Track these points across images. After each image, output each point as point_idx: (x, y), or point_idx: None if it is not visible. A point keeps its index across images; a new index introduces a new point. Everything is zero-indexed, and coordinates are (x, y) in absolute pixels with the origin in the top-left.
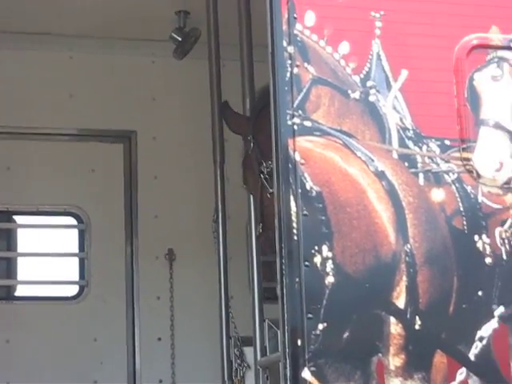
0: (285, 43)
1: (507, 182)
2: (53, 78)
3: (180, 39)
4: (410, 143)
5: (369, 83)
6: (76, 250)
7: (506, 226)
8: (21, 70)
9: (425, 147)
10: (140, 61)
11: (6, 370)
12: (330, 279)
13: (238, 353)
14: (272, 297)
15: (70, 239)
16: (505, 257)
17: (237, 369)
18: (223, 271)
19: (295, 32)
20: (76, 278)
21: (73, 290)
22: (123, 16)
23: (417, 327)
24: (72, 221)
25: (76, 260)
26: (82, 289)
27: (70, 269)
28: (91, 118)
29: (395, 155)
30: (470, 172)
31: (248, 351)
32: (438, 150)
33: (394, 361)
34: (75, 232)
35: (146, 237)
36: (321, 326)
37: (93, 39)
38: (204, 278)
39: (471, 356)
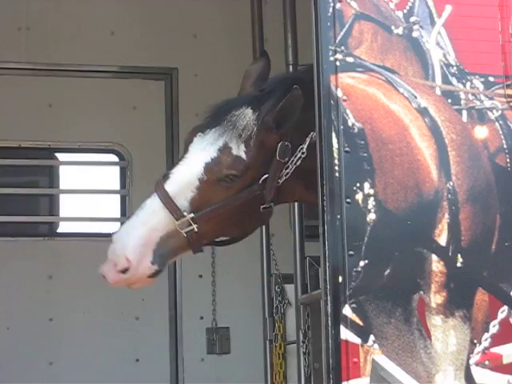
0: None
1: None
2: (94, 15)
3: None
4: (453, 79)
5: (412, 18)
6: (117, 187)
7: None
8: (62, 7)
9: (468, 84)
10: None
11: (47, 305)
12: (371, 216)
13: (279, 290)
14: (313, 234)
15: (111, 176)
16: None
17: (278, 306)
18: None
19: None
20: (117, 214)
21: (114, 227)
22: None
23: (458, 265)
24: (113, 158)
25: (117, 197)
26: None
27: (112, 206)
28: (132, 55)
29: (438, 91)
30: None
31: (289, 288)
32: (481, 87)
33: (436, 298)
34: (117, 169)
35: None
36: (362, 263)
37: None
38: None
39: None
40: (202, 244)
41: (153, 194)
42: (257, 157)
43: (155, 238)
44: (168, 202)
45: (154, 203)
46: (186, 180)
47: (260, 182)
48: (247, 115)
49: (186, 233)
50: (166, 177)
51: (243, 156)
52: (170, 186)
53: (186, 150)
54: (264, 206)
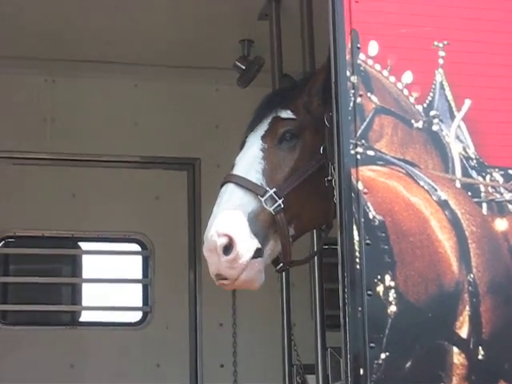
0: (348, 73)
1: None
2: (118, 106)
3: (244, 67)
4: (473, 173)
5: (432, 113)
6: (140, 276)
7: None
8: (87, 99)
9: (488, 177)
10: (204, 88)
11: None
12: (392, 308)
13: (301, 381)
14: (334, 324)
15: (134, 266)
16: None
17: None
18: (286, 298)
19: (358, 62)
20: (140, 304)
21: (136, 316)
22: (188, 44)
23: (480, 357)
24: (136, 247)
25: (140, 286)
26: (145, 315)
27: (134, 295)
28: (155, 145)
29: (458, 184)
30: None
31: (310, 379)
32: (501, 180)
33: None
34: (139, 258)
35: None
36: (383, 355)
37: (157, 67)
38: (267, 304)
39: None
40: (290, 231)
41: (224, 185)
42: (306, 118)
43: (244, 216)
44: (244, 181)
45: (229, 188)
46: (251, 156)
47: (321, 151)
48: (287, 93)
49: (273, 210)
50: (231, 168)
51: (293, 116)
52: (239, 169)
53: (241, 147)
54: (328, 178)
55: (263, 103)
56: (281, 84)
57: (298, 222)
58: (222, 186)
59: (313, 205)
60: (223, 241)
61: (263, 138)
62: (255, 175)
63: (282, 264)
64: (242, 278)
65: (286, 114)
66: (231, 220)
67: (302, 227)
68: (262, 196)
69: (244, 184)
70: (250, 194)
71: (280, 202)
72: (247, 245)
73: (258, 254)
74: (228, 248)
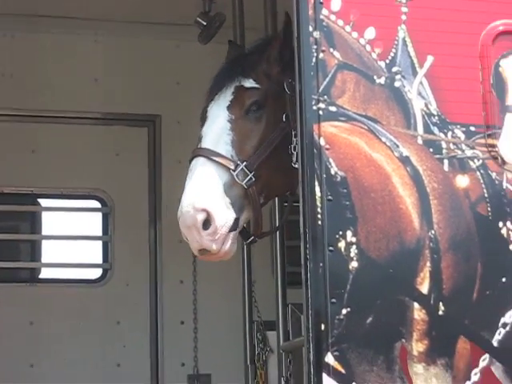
0: (311, 28)
1: None
2: (78, 62)
3: (205, 23)
4: (435, 129)
5: (394, 69)
6: (100, 233)
7: None
8: (46, 54)
9: (450, 133)
10: (165, 45)
11: (29, 351)
12: (353, 264)
13: (261, 337)
14: (295, 281)
15: (93, 222)
16: None
17: (259, 353)
18: (246, 255)
19: (321, 17)
20: (99, 260)
21: (96, 273)
22: (148, 0)
23: (440, 313)
24: (96, 204)
25: (100, 243)
26: (105, 272)
27: (94, 252)
28: (116, 101)
29: (420, 141)
30: (494, 158)
31: (271, 335)
32: (463, 136)
33: (417, 346)
34: (99, 215)
35: (170, 221)
36: (344, 311)
37: (117, 23)
38: (227, 262)
39: (494, 342)
40: (260, 201)
41: (194, 159)
42: (269, 86)
43: (218, 188)
44: (214, 154)
45: (200, 162)
46: (219, 128)
47: (284, 119)
48: (246, 60)
49: (245, 184)
50: (198, 140)
51: (256, 85)
52: (208, 142)
53: (203, 118)
54: (292, 145)
55: (222, 72)
56: (229, 52)
57: (267, 191)
58: (191, 159)
59: (280, 173)
60: (202, 216)
61: (229, 108)
62: (225, 147)
63: (252, 237)
64: (223, 249)
65: (249, 83)
66: (206, 193)
67: (271, 196)
68: (234, 170)
69: (215, 157)
70: (221, 168)
71: (251, 175)
72: (225, 216)
73: (235, 224)
74: (207, 222)
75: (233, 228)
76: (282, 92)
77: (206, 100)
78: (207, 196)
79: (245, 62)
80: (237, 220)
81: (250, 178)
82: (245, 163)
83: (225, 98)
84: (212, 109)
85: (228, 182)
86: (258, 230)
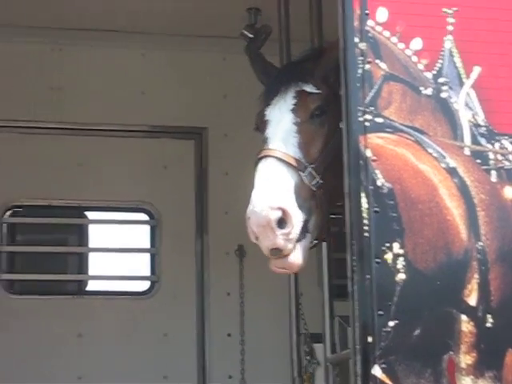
0: (357, 39)
1: None
2: (125, 75)
3: (251, 36)
4: (482, 140)
5: (441, 80)
6: (147, 245)
7: None
8: (94, 67)
9: (497, 144)
10: (211, 58)
11: (77, 364)
12: (401, 276)
13: (308, 349)
14: (342, 293)
15: (141, 235)
16: None
17: (306, 365)
18: None
19: (367, 28)
20: (147, 273)
21: (144, 286)
22: (195, 13)
23: (488, 325)
24: (143, 216)
25: (147, 256)
26: (152, 284)
27: (142, 264)
28: (163, 114)
29: (467, 152)
30: None
31: (318, 348)
32: (510, 147)
33: (466, 359)
34: (147, 228)
35: (217, 233)
36: (391, 323)
37: (164, 36)
38: (274, 274)
39: None
40: (326, 205)
41: (261, 160)
42: (328, 93)
43: (292, 188)
44: (284, 156)
45: (270, 163)
46: (285, 130)
47: None
48: (302, 67)
49: (314, 186)
50: (264, 142)
51: (317, 91)
52: (276, 144)
53: (262, 121)
54: None
55: (280, 77)
56: (252, 63)
57: (332, 196)
58: (259, 160)
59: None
60: (278, 214)
61: (293, 111)
62: (293, 149)
63: (317, 240)
64: (297, 249)
65: (310, 88)
66: (280, 192)
67: (335, 200)
68: (303, 172)
69: (285, 158)
70: (291, 169)
71: (318, 178)
72: (299, 216)
73: (305, 227)
74: (281, 221)
75: (303, 231)
76: (340, 99)
77: (263, 104)
78: (281, 195)
79: (301, 68)
80: (306, 222)
81: (318, 181)
82: (312, 165)
83: (286, 101)
84: (273, 112)
85: (298, 183)
86: (322, 233)
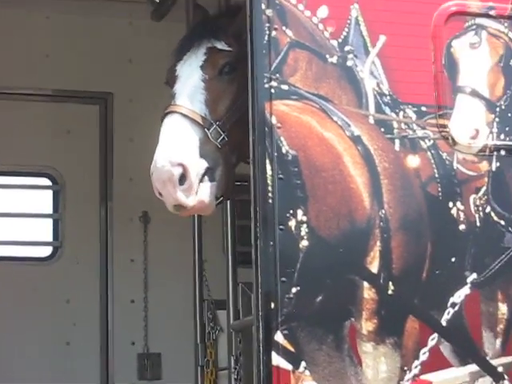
0: (263, 6)
1: (482, 150)
2: (29, 38)
3: (158, 1)
4: (386, 109)
5: (346, 48)
6: (50, 210)
7: (480, 193)
8: None
9: (401, 113)
10: (117, 22)
11: None
12: (304, 243)
13: (211, 316)
14: (246, 260)
15: (44, 200)
16: (478, 224)
17: (210, 332)
18: (197, 234)
19: None
20: (50, 238)
21: (46, 251)
22: None
23: (390, 292)
24: (46, 182)
25: (50, 221)
26: (55, 250)
27: (44, 229)
28: (67, 78)
29: (371, 120)
30: (445, 139)
31: (221, 314)
32: (414, 116)
33: (367, 325)
34: (49, 193)
35: (121, 199)
36: (294, 290)
37: (70, 0)
38: (178, 240)
39: (443, 322)
40: (232, 161)
41: (167, 116)
42: (240, 50)
43: (195, 144)
44: (189, 112)
45: (175, 118)
46: (193, 86)
47: None
48: (215, 23)
49: (219, 143)
50: (172, 97)
51: (228, 48)
52: (182, 100)
53: (173, 76)
54: None
55: (193, 32)
56: (194, 16)
57: (238, 152)
58: (164, 116)
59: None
60: (179, 170)
61: (202, 68)
62: (199, 106)
63: (222, 197)
64: (198, 199)
65: (221, 45)
66: (181, 148)
67: (242, 157)
68: (208, 129)
69: (190, 115)
70: (195, 125)
71: (224, 135)
72: (197, 167)
73: (210, 175)
74: (182, 177)
75: (208, 178)
76: None
77: (174, 59)
78: (183, 151)
79: (215, 25)
80: (211, 170)
81: (223, 138)
82: (218, 123)
83: (197, 57)
84: (183, 68)
85: (202, 139)
86: (228, 190)
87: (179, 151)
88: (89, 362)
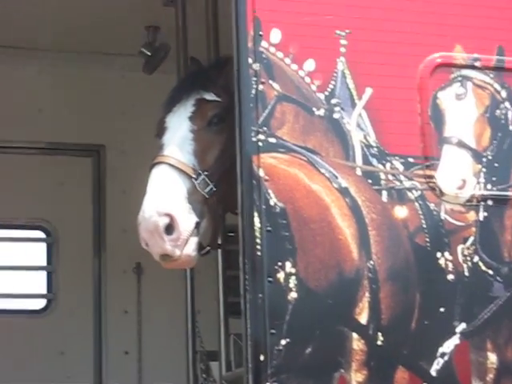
0: (250, 60)
1: (469, 200)
2: (22, 92)
3: (149, 54)
4: (373, 160)
5: (333, 101)
6: (44, 263)
7: (468, 243)
8: None
9: (388, 164)
10: (109, 75)
11: None
12: (293, 295)
13: (204, 367)
14: (238, 311)
15: (37, 253)
16: (466, 273)
17: (203, 383)
18: (190, 285)
19: (261, 49)
20: (44, 291)
21: (40, 304)
22: (93, 30)
23: (379, 343)
24: (40, 234)
25: (44, 274)
26: (49, 302)
27: (38, 282)
28: (60, 131)
29: (359, 172)
30: (432, 189)
31: (214, 366)
32: (401, 168)
33: (356, 376)
34: (43, 246)
35: (114, 251)
36: (283, 342)
37: (62, 53)
38: (171, 292)
39: (433, 372)
40: (219, 212)
41: (155, 166)
42: (230, 101)
43: (182, 194)
44: (177, 163)
45: (162, 169)
46: (181, 137)
47: None
48: (205, 75)
49: (207, 193)
50: (160, 148)
51: (217, 99)
52: (170, 150)
53: (162, 128)
54: None
55: (181, 85)
56: (188, 68)
57: (226, 203)
58: (152, 166)
59: None
60: (165, 220)
61: (191, 119)
62: (187, 156)
63: (208, 247)
64: (185, 254)
65: (210, 96)
66: (169, 199)
67: (229, 208)
68: (196, 179)
69: (178, 165)
70: (183, 175)
71: (212, 185)
72: (187, 221)
73: (197, 229)
74: (169, 227)
75: (194, 233)
76: None
77: (164, 111)
78: (170, 201)
79: (204, 76)
80: (198, 224)
81: (211, 188)
82: (206, 173)
83: (185, 109)
84: (172, 119)
85: (190, 190)
86: (216, 240)
87: (167, 201)
88: None
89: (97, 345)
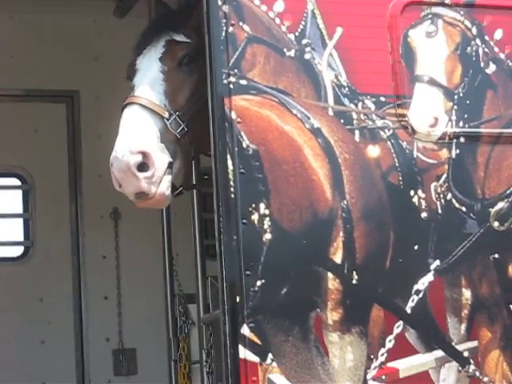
0: (220, 2)
1: (442, 137)
2: None
3: None
4: (345, 100)
5: (304, 41)
6: (20, 210)
7: (441, 180)
8: None
9: (360, 104)
10: (81, 20)
11: None
12: (267, 236)
13: (183, 310)
14: (215, 254)
15: (13, 200)
16: (440, 211)
17: (181, 326)
18: (167, 229)
19: None
20: (21, 238)
21: (18, 251)
22: None
23: (354, 282)
24: (16, 181)
25: (20, 221)
26: (26, 249)
27: (15, 229)
28: (33, 78)
29: (331, 112)
30: (405, 128)
31: (192, 308)
32: (373, 107)
33: (332, 315)
34: (19, 193)
35: (91, 196)
36: (259, 283)
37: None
38: (149, 236)
39: (408, 309)
40: (191, 153)
41: (126, 107)
42: (200, 42)
43: (154, 133)
44: (148, 103)
45: (134, 110)
46: (152, 78)
47: None
48: (175, 17)
49: (178, 133)
50: (131, 89)
51: (187, 40)
52: (141, 91)
53: (133, 70)
54: None
55: (151, 27)
56: (157, 12)
57: (198, 144)
58: (124, 107)
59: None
60: (139, 158)
61: (161, 60)
62: (158, 96)
63: (181, 187)
64: (160, 191)
65: (180, 37)
66: (142, 137)
67: (201, 149)
68: (168, 119)
69: (149, 105)
70: (155, 115)
71: (184, 125)
72: (161, 159)
73: (170, 168)
74: (143, 165)
75: (168, 172)
76: None
77: (134, 54)
78: (143, 140)
79: (174, 18)
80: (171, 164)
81: (183, 128)
82: (178, 113)
83: (156, 50)
84: (143, 61)
85: (162, 130)
86: (189, 180)
87: (139, 140)
88: (64, 360)
89: (76, 290)
